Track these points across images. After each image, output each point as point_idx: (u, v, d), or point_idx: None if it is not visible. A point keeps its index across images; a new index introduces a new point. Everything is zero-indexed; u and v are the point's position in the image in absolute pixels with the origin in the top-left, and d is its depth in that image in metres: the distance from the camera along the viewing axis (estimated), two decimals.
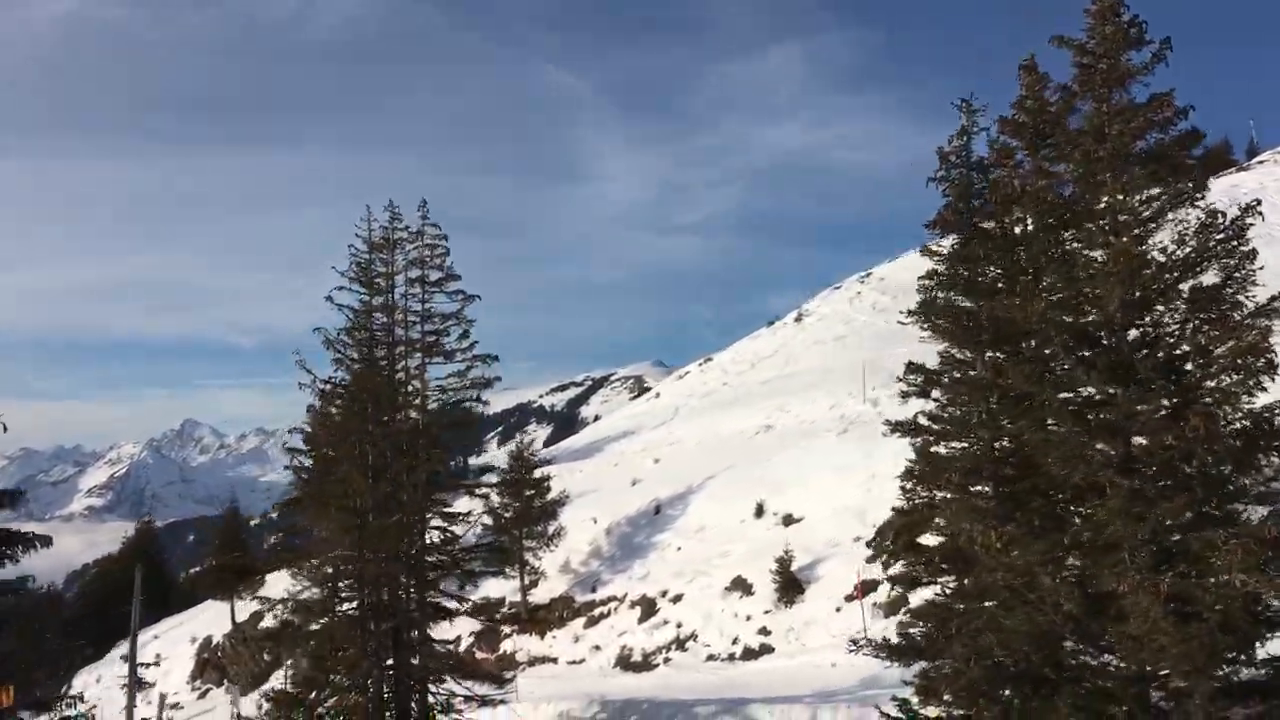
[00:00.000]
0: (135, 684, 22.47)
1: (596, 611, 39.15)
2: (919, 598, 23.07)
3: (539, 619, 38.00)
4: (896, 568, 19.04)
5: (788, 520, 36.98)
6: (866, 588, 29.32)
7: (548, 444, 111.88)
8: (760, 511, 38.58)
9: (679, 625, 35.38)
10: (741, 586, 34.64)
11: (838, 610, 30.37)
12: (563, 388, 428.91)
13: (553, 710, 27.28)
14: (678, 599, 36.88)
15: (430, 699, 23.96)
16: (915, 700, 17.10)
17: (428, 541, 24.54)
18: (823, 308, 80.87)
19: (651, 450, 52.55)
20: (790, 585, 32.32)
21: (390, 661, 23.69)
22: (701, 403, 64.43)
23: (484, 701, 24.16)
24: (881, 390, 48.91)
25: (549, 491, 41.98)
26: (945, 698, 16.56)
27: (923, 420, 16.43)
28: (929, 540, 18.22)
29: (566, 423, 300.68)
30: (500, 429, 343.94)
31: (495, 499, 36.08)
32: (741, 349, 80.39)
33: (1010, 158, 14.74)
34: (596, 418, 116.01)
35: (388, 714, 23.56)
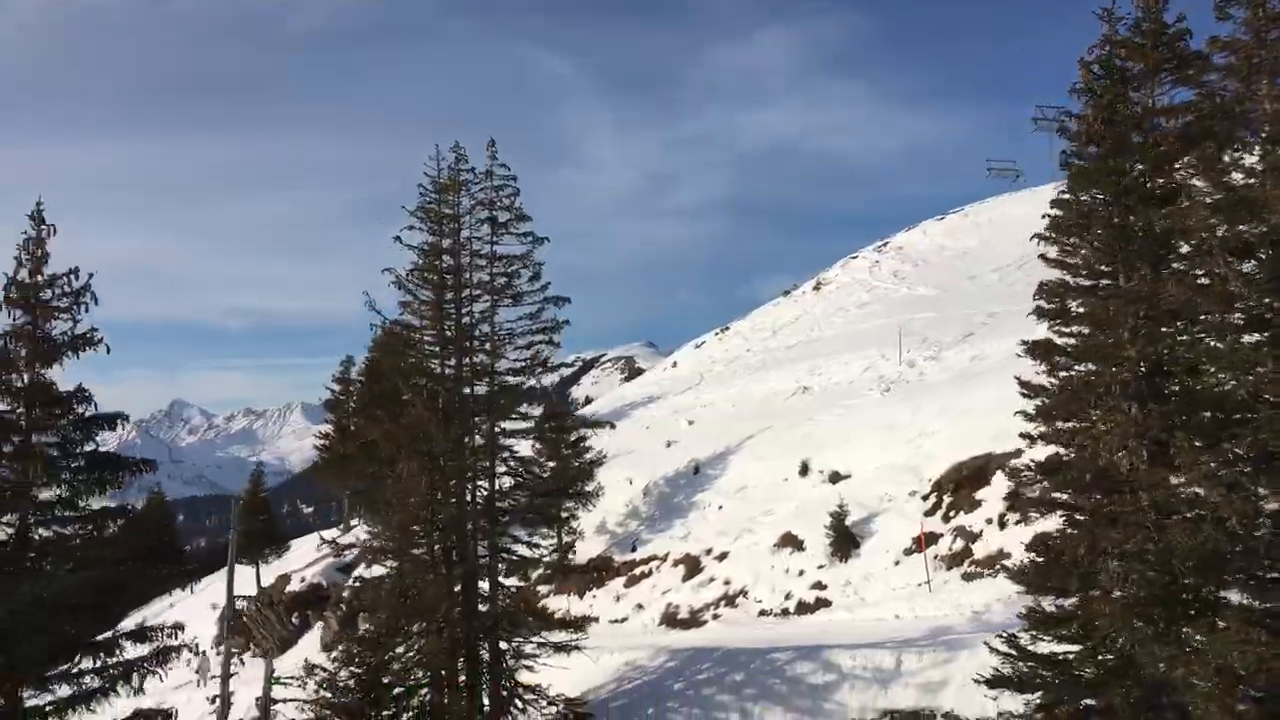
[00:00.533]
0: (233, 615, 22.05)
1: (637, 571, 38.80)
2: (1021, 534, 22.77)
3: (580, 577, 37.71)
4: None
5: (834, 478, 36.63)
6: (929, 540, 29.05)
7: None
8: (805, 470, 38.23)
9: (727, 582, 35.07)
10: (792, 543, 34.33)
11: (896, 564, 30.08)
12: (553, 368, 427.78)
13: (619, 660, 27.02)
14: (723, 557, 36.58)
15: (502, 645, 23.66)
16: (1025, 638, 16.81)
17: (498, 488, 24.19)
18: (841, 276, 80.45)
19: (683, 413, 52.15)
20: (844, 540, 32.01)
21: (459, 608, 23.38)
22: (727, 369, 64.07)
23: (557, 648, 23.87)
24: (917, 353, 48.67)
25: (587, 451, 41.57)
26: (1062, 632, 16.25)
27: (1058, 339, 15.94)
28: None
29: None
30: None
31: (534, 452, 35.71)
32: (760, 317, 79.97)
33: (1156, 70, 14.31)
34: (588, 399, 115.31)
35: (460, 660, 23.26)
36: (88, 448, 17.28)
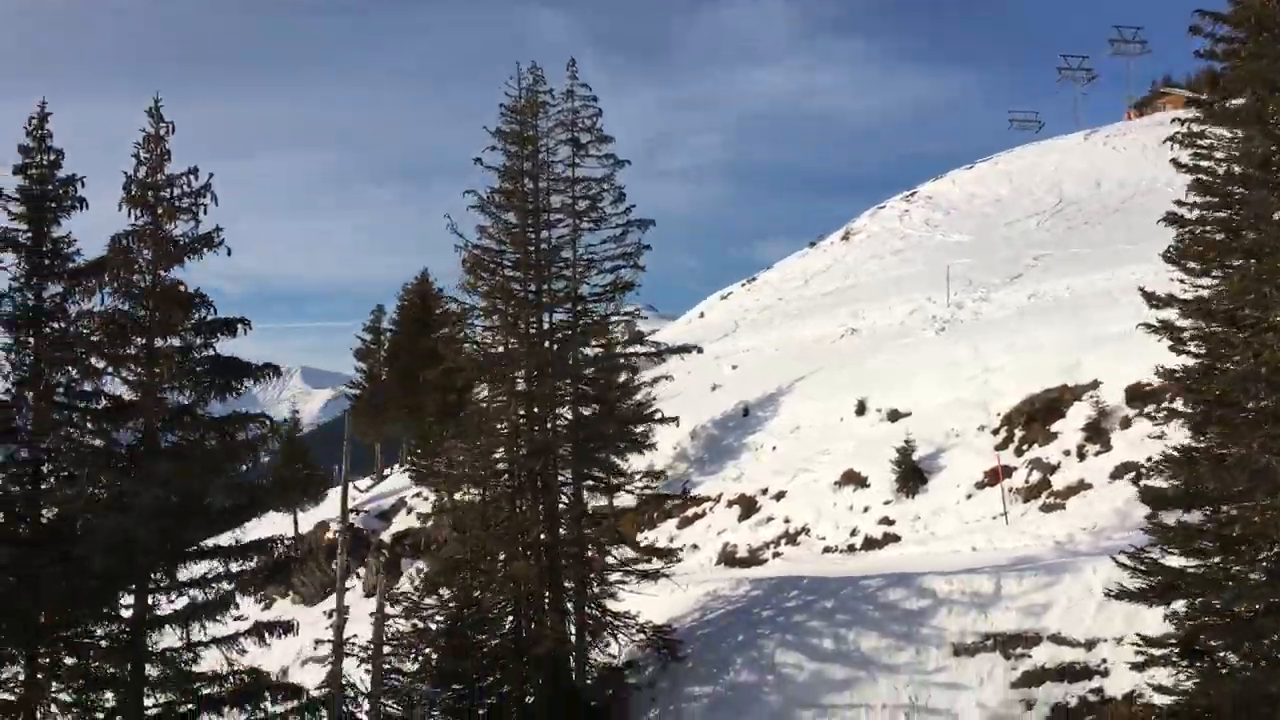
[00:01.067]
0: (349, 530, 21.81)
1: (690, 512, 38.55)
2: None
3: (638, 516, 37.44)
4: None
5: (893, 416, 36.26)
6: (1004, 473, 28.75)
7: None
8: (862, 409, 37.85)
9: (786, 521, 34.81)
10: (854, 480, 34.03)
11: (968, 497, 29.78)
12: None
13: (698, 591, 26.80)
14: (780, 496, 36.30)
15: (589, 571, 23.45)
16: (1156, 551, 16.47)
17: (581, 414, 23.86)
18: (870, 225, 79.79)
19: (724, 359, 51.71)
20: (911, 475, 31.70)
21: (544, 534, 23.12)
22: (761, 316, 63.64)
23: (644, 575, 23.65)
24: (964, 295, 48.21)
25: (635, 392, 41.16)
26: (1203, 545, 15.88)
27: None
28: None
29: None
30: None
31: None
32: (788, 267, 79.44)
33: None
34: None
35: (547, 589, 23.03)
36: (208, 354, 16.83)
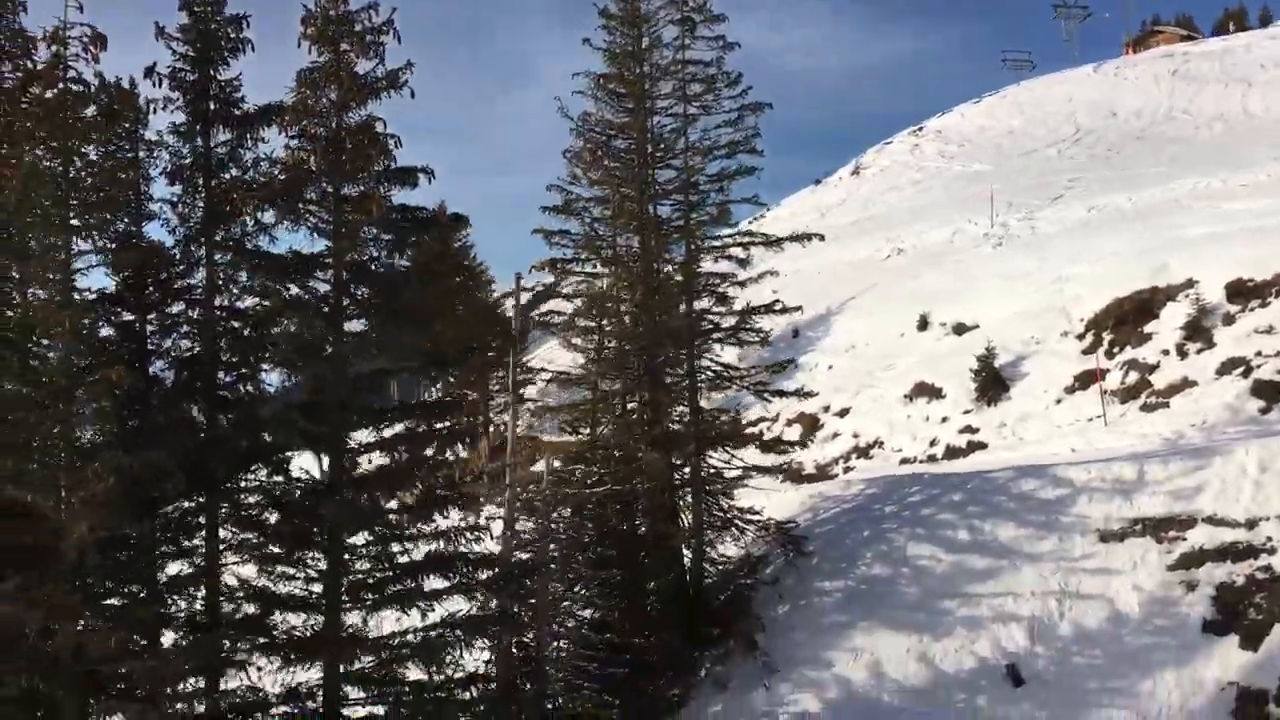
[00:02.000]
0: (517, 399, 20.91)
1: (747, 432, 37.87)
2: None
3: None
4: None
5: (960, 329, 35.73)
6: (1101, 375, 28.28)
7: None
8: (924, 324, 37.31)
9: (855, 435, 34.30)
10: (927, 391, 33.49)
11: (1057, 402, 29.29)
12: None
13: (803, 493, 26.26)
14: (844, 412, 35.77)
15: (700, 467, 22.76)
16: None
17: (695, 307, 23.04)
18: (880, 160, 79.03)
19: (764, 283, 50.84)
20: (993, 383, 31.18)
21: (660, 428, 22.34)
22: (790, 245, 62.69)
23: (762, 471, 23.01)
24: (1007, 215, 47.65)
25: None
26: None
27: None
28: None
29: None
30: None
31: None
32: (798, 203, 78.51)
33: None
34: None
35: (669, 483, 22.31)
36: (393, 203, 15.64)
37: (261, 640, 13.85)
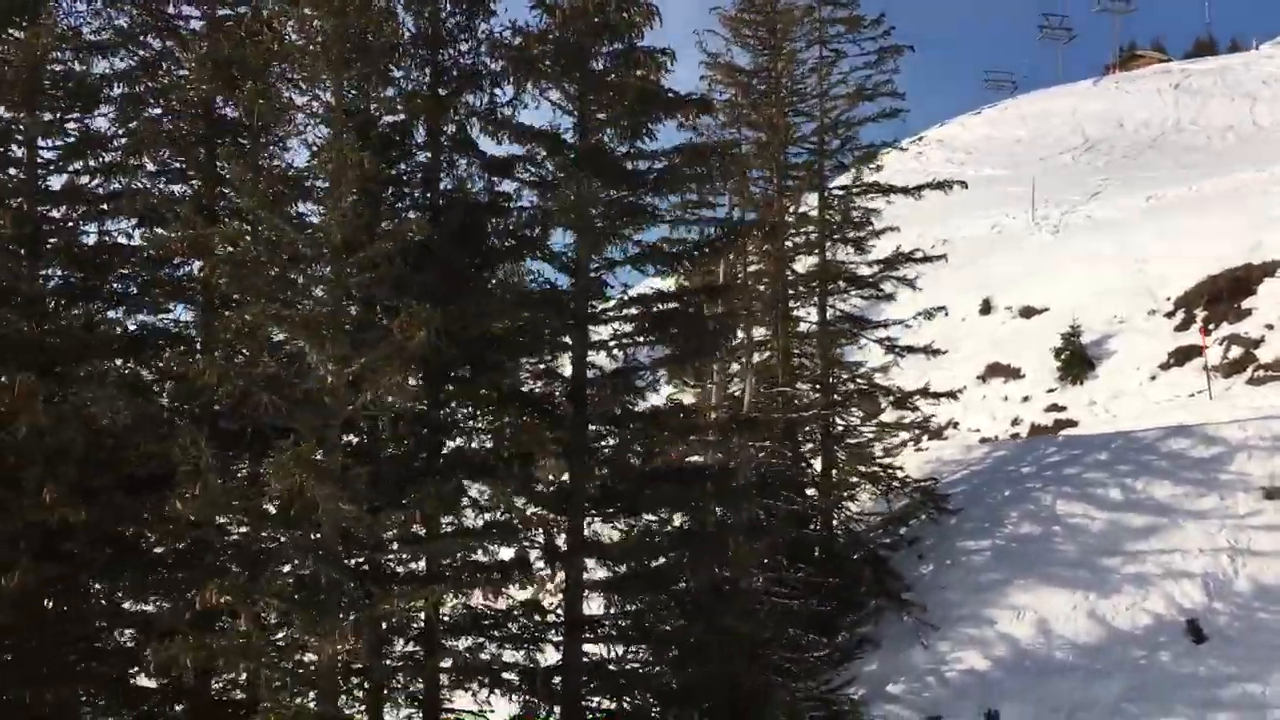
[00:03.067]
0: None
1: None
2: None
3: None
4: None
5: (1027, 312, 35.28)
6: (1199, 351, 27.76)
7: None
8: (988, 308, 36.82)
9: (929, 417, 33.65)
10: (1003, 372, 32.95)
11: (1152, 379, 28.79)
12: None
13: (920, 458, 25.40)
14: (912, 394, 35.11)
15: (832, 421, 21.85)
16: None
17: (828, 255, 22.14)
18: (887, 165, 78.69)
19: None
20: (1078, 362, 30.67)
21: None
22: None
23: (885, 427, 22.16)
24: (1048, 210, 47.39)
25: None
26: None
27: None
28: None
29: None
30: None
31: None
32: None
33: None
34: None
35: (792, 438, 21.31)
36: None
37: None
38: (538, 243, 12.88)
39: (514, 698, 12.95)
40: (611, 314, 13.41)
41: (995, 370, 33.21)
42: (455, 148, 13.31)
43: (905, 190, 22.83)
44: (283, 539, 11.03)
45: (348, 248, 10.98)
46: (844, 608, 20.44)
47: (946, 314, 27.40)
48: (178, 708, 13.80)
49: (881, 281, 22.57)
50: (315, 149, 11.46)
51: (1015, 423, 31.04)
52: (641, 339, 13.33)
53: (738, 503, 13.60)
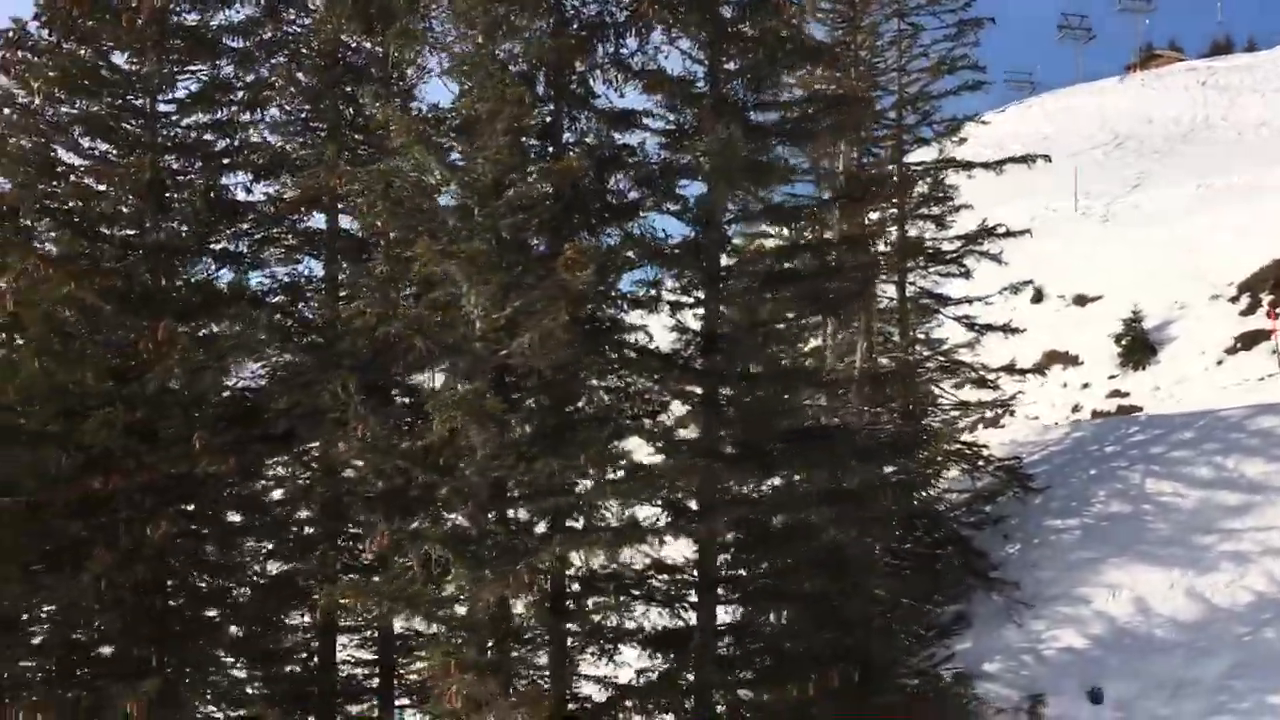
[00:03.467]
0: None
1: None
2: None
3: None
4: None
5: (1081, 300, 35.08)
6: (1269, 335, 27.56)
7: None
8: (1039, 296, 36.45)
9: (1014, 394, 33.47)
10: (1060, 359, 32.75)
11: (1218, 363, 28.58)
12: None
13: (994, 439, 25.13)
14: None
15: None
16: None
17: (907, 232, 21.93)
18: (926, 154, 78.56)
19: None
20: (1140, 347, 30.47)
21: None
22: None
23: (965, 406, 21.92)
24: (1090, 200, 47.18)
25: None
26: None
27: None
28: None
29: None
30: None
31: None
32: None
33: None
34: None
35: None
36: None
37: None
38: (667, 194, 12.62)
39: (646, 657, 12.71)
40: (739, 269, 13.13)
41: (1052, 358, 32.99)
42: (576, 102, 13.08)
43: (986, 165, 22.44)
44: (442, 487, 10.75)
45: (497, 188, 10.76)
46: (935, 584, 20.17)
47: (1034, 288, 27.09)
48: (296, 668, 13.62)
49: (964, 256, 22.15)
50: (466, 87, 11.20)
51: (1075, 409, 30.82)
52: (771, 294, 13.06)
53: (871, 463, 13.35)
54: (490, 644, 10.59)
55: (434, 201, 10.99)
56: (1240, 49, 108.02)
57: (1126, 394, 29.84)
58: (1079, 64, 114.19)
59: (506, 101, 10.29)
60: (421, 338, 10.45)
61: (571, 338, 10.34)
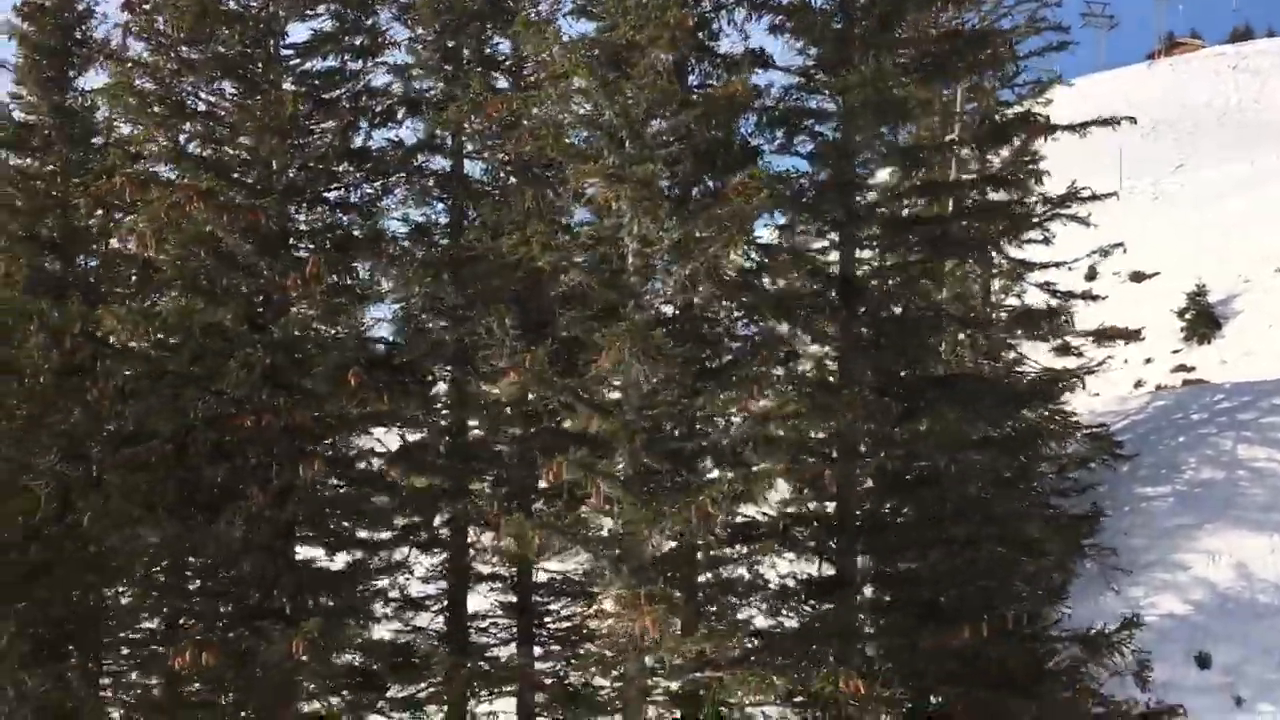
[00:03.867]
0: None
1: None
2: None
3: None
4: None
5: (1137, 276, 34.74)
6: None
7: None
8: (1093, 273, 36.07)
9: (1105, 359, 33.23)
10: (1119, 335, 32.17)
11: None
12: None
13: (1080, 407, 24.81)
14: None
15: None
16: None
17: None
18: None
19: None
20: (1205, 321, 30.18)
21: None
22: None
23: (1050, 373, 21.48)
24: (1135, 180, 46.78)
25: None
26: None
27: None
28: None
29: None
30: None
31: None
32: None
33: None
34: None
35: None
36: None
37: None
38: (800, 133, 12.34)
39: (780, 607, 12.46)
40: (871, 211, 12.86)
41: (1110, 334, 32.49)
42: (699, 47, 12.82)
43: (1070, 127, 22.03)
44: (604, 425, 10.45)
45: (648, 115, 10.48)
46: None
47: (1125, 251, 26.69)
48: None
49: (1050, 220, 21.79)
50: (612, 16, 10.89)
51: (1138, 384, 30.48)
52: (913, 236, 12.79)
53: (1017, 408, 13.08)
54: (673, 577, 10.36)
55: (595, 130, 10.72)
56: (1261, 35, 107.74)
57: (1192, 368, 29.54)
58: (1101, 52, 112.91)
59: (667, 25, 10.01)
60: (579, 271, 10.19)
61: (739, 264, 10.07)
